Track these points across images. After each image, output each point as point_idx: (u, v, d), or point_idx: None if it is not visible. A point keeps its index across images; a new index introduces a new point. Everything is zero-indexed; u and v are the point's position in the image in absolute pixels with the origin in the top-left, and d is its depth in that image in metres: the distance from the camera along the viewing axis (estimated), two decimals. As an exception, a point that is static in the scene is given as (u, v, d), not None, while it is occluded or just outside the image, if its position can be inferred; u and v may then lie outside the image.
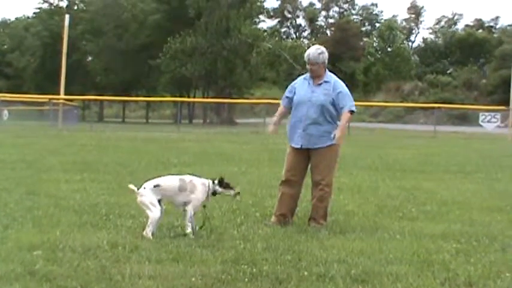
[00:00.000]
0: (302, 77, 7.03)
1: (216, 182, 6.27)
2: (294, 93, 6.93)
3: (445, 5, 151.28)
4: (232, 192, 6.36)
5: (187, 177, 6.30)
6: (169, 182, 6.25)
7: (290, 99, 6.97)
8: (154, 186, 6.11)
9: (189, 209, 6.13)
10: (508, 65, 65.68)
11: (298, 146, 6.83)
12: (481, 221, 7.24)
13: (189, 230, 6.07)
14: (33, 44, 72.53)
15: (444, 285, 4.67)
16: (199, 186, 6.22)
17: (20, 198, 7.96)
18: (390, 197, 9.04)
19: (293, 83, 7.09)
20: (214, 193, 6.30)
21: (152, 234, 5.93)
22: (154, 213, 5.98)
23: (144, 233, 5.94)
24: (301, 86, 6.91)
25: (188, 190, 6.17)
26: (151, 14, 64.19)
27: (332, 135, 6.64)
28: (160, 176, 6.44)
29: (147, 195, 6.06)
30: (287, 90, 7.06)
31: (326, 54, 6.77)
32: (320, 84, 6.78)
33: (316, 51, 6.74)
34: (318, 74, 6.78)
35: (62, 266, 4.87)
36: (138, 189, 6.10)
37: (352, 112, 6.77)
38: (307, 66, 6.81)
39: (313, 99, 6.74)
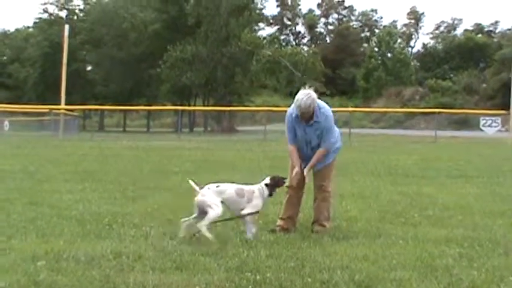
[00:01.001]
0: (293, 112, 6.81)
1: (268, 183, 6.46)
2: (294, 131, 6.90)
3: (444, 10, 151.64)
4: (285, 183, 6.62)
5: (245, 186, 6.45)
6: (229, 187, 6.38)
7: (295, 136, 6.96)
8: (217, 187, 6.24)
9: (249, 219, 6.29)
10: (508, 69, 65.81)
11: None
12: (484, 225, 7.23)
13: (253, 234, 6.29)
14: (33, 54, 72.82)
15: (448, 290, 4.67)
16: (257, 193, 6.37)
17: (22, 209, 7.96)
18: (392, 203, 9.04)
19: (288, 121, 6.91)
20: (271, 194, 6.49)
21: (209, 230, 6.03)
22: (215, 210, 6.07)
23: (199, 225, 6.03)
24: (297, 124, 6.84)
25: (246, 197, 6.31)
26: (151, 24, 64.32)
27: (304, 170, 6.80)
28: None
29: (208, 195, 6.15)
30: (289, 131, 6.92)
31: (315, 95, 6.64)
32: (311, 124, 6.77)
33: (307, 99, 6.54)
34: (309, 117, 6.73)
35: (66, 276, 4.87)
36: (200, 188, 6.19)
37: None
38: (297, 111, 6.66)
39: (310, 144, 6.85)
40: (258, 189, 6.41)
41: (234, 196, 6.29)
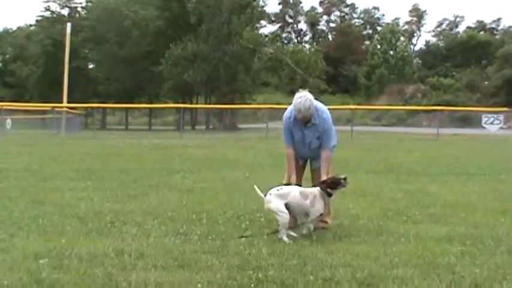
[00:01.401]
0: (290, 116, 6.88)
1: (323, 189, 6.46)
2: (291, 133, 6.95)
3: (446, 8, 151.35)
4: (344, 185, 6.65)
5: (308, 188, 6.52)
6: (292, 189, 6.45)
7: (293, 138, 7.01)
8: (278, 191, 6.33)
9: (308, 224, 6.41)
10: (510, 66, 65.66)
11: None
12: (486, 223, 7.22)
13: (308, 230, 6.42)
14: (35, 52, 72.77)
15: (450, 287, 4.67)
16: (318, 196, 6.41)
17: (24, 207, 7.97)
18: (394, 200, 9.03)
19: (285, 124, 6.96)
20: (330, 195, 6.51)
21: (287, 236, 6.19)
22: (283, 218, 6.19)
23: (279, 237, 6.17)
24: (294, 127, 6.90)
25: (310, 200, 6.37)
26: (152, 21, 64.26)
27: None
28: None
29: (273, 201, 6.25)
30: (286, 133, 6.99)
31: (311, 96, 6.67)
32: (309, 127, 6.82)
33: (305, 101, 6.59)
34: (308, 119, 6.78)
35: (68, 273, 4.87)
36: (264, 195, 6.31)
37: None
38: (297, 115, 6.71)
39: (308, 146, 6.92)
40: (319, 194, 6.43)
41: (299, 198, 6.34)
